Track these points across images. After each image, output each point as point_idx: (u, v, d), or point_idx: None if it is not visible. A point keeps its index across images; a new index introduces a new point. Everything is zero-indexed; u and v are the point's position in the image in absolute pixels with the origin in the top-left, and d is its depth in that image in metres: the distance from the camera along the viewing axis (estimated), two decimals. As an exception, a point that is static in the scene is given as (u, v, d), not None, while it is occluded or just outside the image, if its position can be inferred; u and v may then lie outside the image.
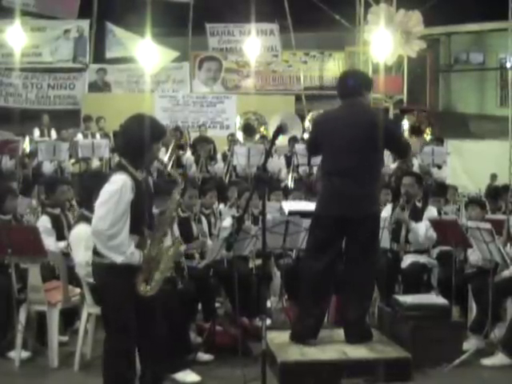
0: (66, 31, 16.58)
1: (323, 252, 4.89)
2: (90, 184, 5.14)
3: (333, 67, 16.97)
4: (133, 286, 3.71)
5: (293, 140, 10.78)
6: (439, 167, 10.15)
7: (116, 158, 10.54)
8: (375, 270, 5.22)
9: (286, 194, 8.18)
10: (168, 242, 3.94)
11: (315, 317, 4.93)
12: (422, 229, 6.14)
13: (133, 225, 3.70)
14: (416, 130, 10.96)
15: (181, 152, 10.72)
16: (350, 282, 4.94)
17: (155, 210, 4.16)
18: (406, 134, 11.04)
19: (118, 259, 3.64)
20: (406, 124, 11.15)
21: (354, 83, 5.07)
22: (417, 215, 6.28)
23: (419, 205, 6.43)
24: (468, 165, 15.27)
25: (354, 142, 4.83)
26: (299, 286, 5.10)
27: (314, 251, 4.97)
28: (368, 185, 4.93)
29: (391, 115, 15.46)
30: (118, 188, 3.64)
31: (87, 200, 5.03)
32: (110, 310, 3.78)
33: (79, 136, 12.03)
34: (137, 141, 3.76)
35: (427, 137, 10.85)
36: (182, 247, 3.95)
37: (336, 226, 4.85)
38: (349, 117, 4.94)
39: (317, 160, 8.04)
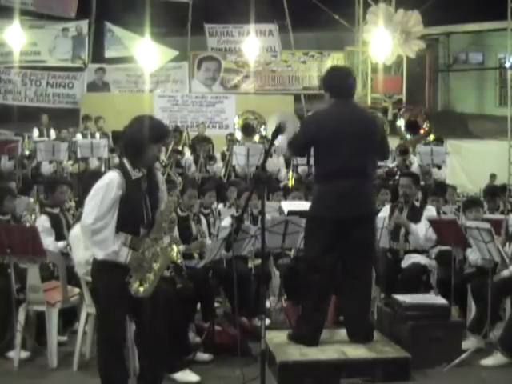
0: (65, 30, 16.58)
1: (327, 257, 4.81)
2: (89, 184, 5.13)
3: (332, 67, 16.95)
4: (125, 285, 3.72)
5: (292, 140, 10.78)
6: (439, 167, 10.15)
7: (115, 158, 10.66)
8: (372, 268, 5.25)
9: (286, 193, 8.18)
10: (164, 242, 3.89)
11: (318, 324, 4.90)
12: (422, 230, 6.13)
13: (126, 223, 3.72)
14: (412, 125, 10.95)
15: (178, 156, 10.71)
16: (353, 282, 4.90)
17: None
18: (403, 130, 11.05)
19: (99, 255, 3.68)
20: (402, 122, 11.17)
21: (351, 83, 5.03)
22: (416, 215, 6.27)
23: (417, 204, 6.43)
24: (467, 165, 15.28)
25: (358, 141, 4.78)
26: (298, 286, 5.08)
27: (319, 257, 4.84)
28: (370, 184, 4.98)
29: (390, 115, 15.47)
30: (103, 184, 3.70)
31: (86, 199, 5.02)
32: (99, 306, 3.88)
33: (78, 136, 12.03)
34: (135, 141, 3.80)
35: (425, 134, 10.85)
36: (181, 247, 3.92)
37: (340, 228, 4.78)
38: (350, 117, 4.87)
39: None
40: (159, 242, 3.81)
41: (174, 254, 3.86)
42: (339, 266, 4.99)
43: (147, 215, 3.81)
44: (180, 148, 11.14)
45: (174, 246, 3.88)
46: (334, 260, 4.88)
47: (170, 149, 10.55)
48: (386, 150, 5.19)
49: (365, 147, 4.82)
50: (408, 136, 10.93)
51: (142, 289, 3.73)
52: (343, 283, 5.01)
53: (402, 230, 6.26)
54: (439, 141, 11.09)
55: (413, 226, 6.18)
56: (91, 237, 3.67)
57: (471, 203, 6.52)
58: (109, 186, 3.68)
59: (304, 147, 5.03)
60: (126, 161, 3.81)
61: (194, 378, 4.65)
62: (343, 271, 4.99)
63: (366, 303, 5.04)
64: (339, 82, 4.99)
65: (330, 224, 4.78)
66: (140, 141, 3.78)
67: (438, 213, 6.82)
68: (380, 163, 9.79)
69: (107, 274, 3.72)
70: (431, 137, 10.82)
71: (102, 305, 3.82)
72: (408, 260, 6.14)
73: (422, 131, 10.88)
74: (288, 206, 6.52)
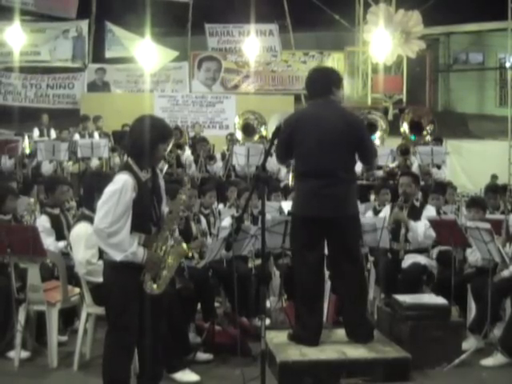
0: (65, 31, 16.59)
1: (308, 255, 4.82)
2: (90, 183, 5.14)
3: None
4: (139, 285, 3.75)
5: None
6: (438, 167, 10.14)
7: (116, 158, 10.66)
8: (363, 267, 5.25)
9: (286, 193, 8.18)
10: (171, 241, 3.94)
11: (316, 324, 4.90)
12: (421, 228, 6.14)
13: (138, 223, 3.75)
14: (415, 126, 10.93)
15: (179, 151, 10.72)
16: (343, 285, 4.90)
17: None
18: (407, 131, 11.05)
19: (118, 257, 3.70)
20: (405, 124, 11.16)
21: (323, 82, 4.96)
22: (415, 214, 6.27)
23: (417, 204, 6.42)
24: (467, 165, 15.29)
25: (329, 142, 4.75)
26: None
27: (299, 254, 4.89)
28: (344, 186, 4.84)
29: (391, 115, 15.47)
30: (118, 188, 3.70)
31: (88, 199, 5.02)
32: (113, 307, 3.82)
33: (76, 136, 12.02)
34: (142, 141, 3.82)
35: (427, 136, 10.83)
36: (185, 246, 3.95)
37: (316, 227, 4.78)
38: (322, 117, 4.83)
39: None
40: (170, 239, 3.86)
41: (185, 249, 3.93)
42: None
43: (156, 214, 3.86)
44: (180, 142, 11.13)
45: (183, 243, 3.94)
46: (317, 259, 4.86)
47: (169, 147, 10.53)
48: (367, 153, 5.01)
49: (337, 148, 4.77)
50: (413, 138, 10.94)
51: (155, 286, 3.78)
52: (336, 286, 5.03)
53: (402, 230, 6.26)
54: (438, 140, 11.09)
55: (412, 223, 6.18)
56: (107, 240, 3.68)
57: (475, 201, 6.46)
58: (123, 189, 3.69)
59: (287, 153, 5.00)
60: (131, 162, 3.82)
61: (194, 377, 4.64)
62: (334, 272, 5.01)
63: (362, 304, 5.00)
64: (310, 83, 5.04)
65: (305, 222, 4.80)
66: (147, 142, 3.80)
67: (439, 212, 6.82)
68: (380, 163, 9.82)
69: (122, 275, 3.73)
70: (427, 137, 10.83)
71: (116, 307, 3.79)
72: (408, 260, 6.14)
73: (424, 133, 10.88)
74: (288, 205, 6.52)
